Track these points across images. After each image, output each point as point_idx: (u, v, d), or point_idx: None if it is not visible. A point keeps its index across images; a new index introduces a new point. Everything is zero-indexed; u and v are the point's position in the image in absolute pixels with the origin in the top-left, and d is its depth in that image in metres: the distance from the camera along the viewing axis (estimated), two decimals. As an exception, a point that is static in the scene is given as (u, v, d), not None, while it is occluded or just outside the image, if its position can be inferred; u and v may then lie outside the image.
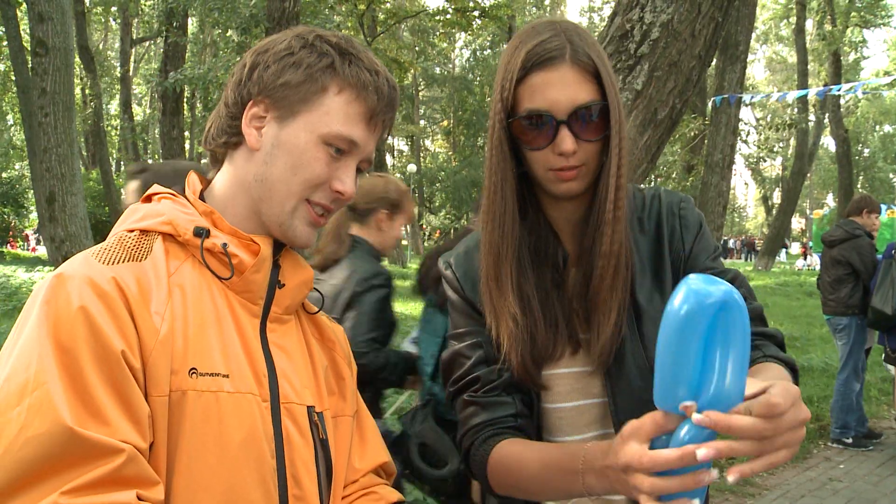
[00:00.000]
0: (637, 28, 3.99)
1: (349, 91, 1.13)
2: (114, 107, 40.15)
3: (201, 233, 1.08)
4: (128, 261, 1.03)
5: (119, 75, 32.87)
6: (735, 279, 1.35)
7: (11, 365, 0.92)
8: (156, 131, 35.52)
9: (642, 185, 1.45)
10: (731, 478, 0.89)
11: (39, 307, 0.95)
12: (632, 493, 0.98)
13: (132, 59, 35.07)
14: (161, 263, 1.06)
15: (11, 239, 30.39)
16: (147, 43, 36.67)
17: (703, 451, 0.87)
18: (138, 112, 41.56)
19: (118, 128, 35.19)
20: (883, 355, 6.38)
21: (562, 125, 1.24)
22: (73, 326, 0.93)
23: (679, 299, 0.90)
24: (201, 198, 1.18)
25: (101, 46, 39.69)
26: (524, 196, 1.37)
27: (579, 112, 1.23)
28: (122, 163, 37.43)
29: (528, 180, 1.36)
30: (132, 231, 1.09)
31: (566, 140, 1.23)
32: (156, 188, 1.17)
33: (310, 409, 1.15)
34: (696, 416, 0.88)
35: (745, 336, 0.90)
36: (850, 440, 6.49)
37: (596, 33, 7.27)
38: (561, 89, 1.23)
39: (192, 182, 1.19)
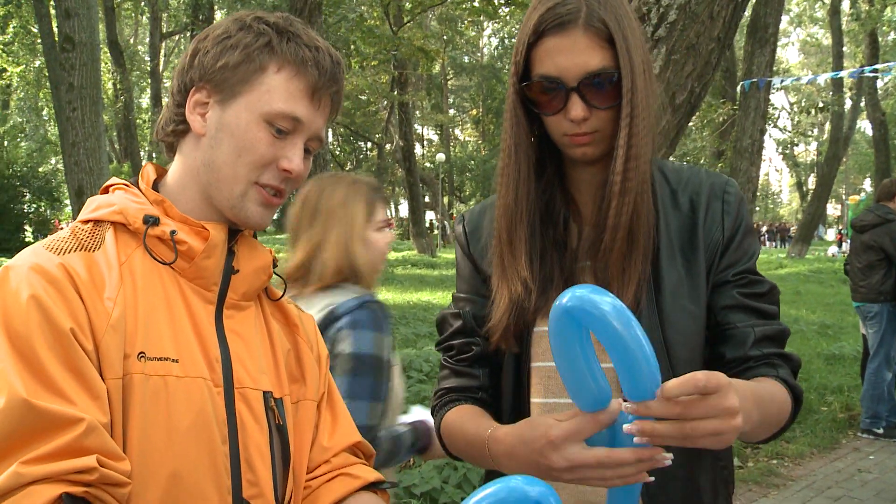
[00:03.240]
0: (654, 11, 3.90)
1: (289, 68, 1.12)
2: (145, 101, 40.70)
3: (149, 220, 1.09)
4: (79, 251, 1.05)
5: (149, 69, 33.30)
6: (769, 292, 1.31)
7: None
8: (186, 124, 35.73)
9: (681, 162, 1.40)
10: (635, 434, 0.98)
11: None
12: (549, 475, 1.05)
13: (162, 53, 35.49)
14: (112, 253, 1.07)
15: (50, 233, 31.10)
16: (177, 37, 37.07)
17: (628, 427, 0.97)
18: (169, 105, 41.97)
19: (149, 121, 35.68)
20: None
21: (572, 92, 1.22)
22: (27, 315, 0.95)
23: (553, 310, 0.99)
24: (155, 188, 1.19)
25: (131, 41, 40.21)
26: (544, 155, 1.37)
27: (590, 79, 1.21)
28: (153, 156, 37.97)
29: (550, 140, 1.35)
30: (87, 222, 1.11)
31: (576, 107, 1.22)
32: (112, 180, 1.19)
33: (266, 394, 1.15)
34: (625, 405, 0.98)
35: (615, 334, 0.94)
36: (880, 430, 6.35)
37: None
38: (570, 56, 1.21)
39: (146, 173, 1.21)
